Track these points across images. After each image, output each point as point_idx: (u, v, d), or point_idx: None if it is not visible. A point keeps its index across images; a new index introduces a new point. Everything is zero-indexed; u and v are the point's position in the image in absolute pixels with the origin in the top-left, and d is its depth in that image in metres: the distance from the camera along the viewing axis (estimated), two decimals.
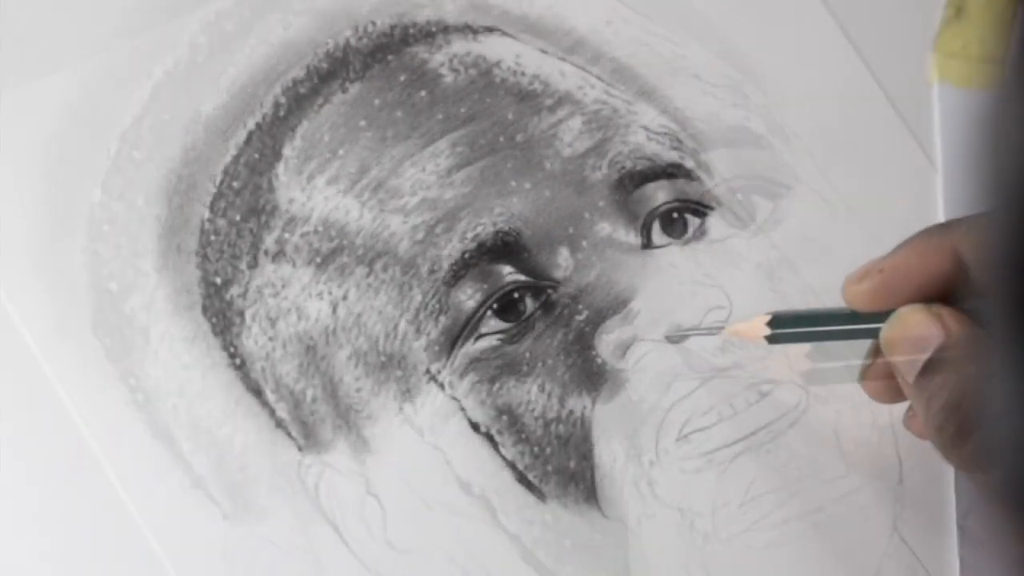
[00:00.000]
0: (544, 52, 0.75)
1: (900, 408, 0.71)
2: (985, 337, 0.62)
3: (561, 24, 0.76)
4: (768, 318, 0.68)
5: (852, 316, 0.67)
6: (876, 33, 0.78)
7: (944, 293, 0.65)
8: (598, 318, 0.71)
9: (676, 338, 0.71)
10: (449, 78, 0.73)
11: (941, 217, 0.76)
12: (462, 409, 0.70)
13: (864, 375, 0.69)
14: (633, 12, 0.75)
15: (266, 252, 0.71)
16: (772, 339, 0.68)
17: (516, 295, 0.71)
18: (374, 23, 0.74)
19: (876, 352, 0.68)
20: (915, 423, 0.69)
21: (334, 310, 0.70)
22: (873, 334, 0.66)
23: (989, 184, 0.43)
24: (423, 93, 0.73)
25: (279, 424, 0.70)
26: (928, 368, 0.63)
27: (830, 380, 0.70)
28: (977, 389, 0.61)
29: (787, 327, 0.68)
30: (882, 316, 0.66)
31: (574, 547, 0.70)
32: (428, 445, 0.70)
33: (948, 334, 0.63)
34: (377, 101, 0.72)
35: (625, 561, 0.70)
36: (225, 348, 0.70)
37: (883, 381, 0.67)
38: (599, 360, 0.71)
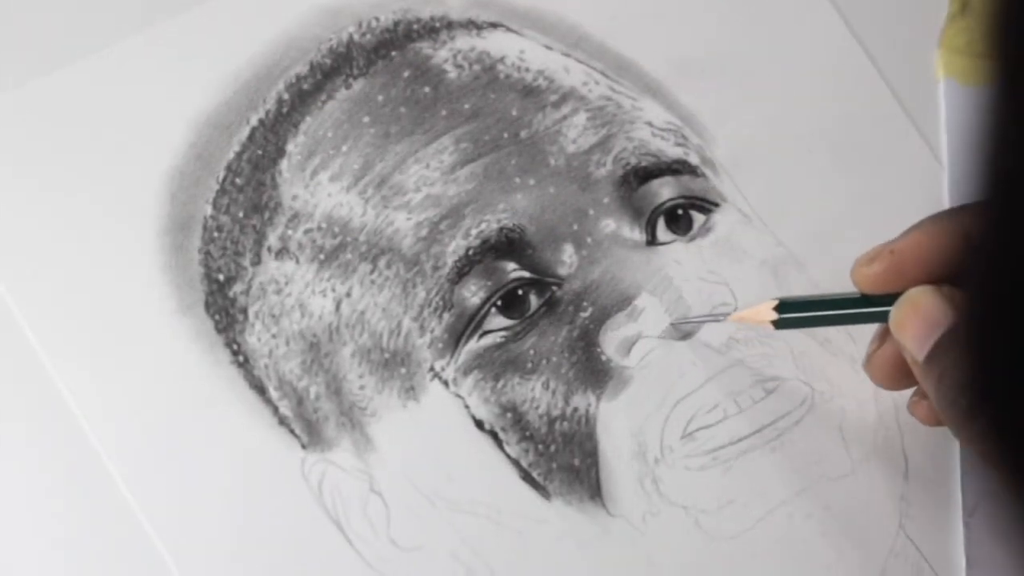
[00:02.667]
0: (548, 48, 0.75)
1: (906, 406, 0.71)
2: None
3: (565, 20, 0.75)
4: (775, 303, 0.68)
5: (860, 300, 0.67)
6: (882, 29, 0.78)
7: (953, 276, 0.65)
8: (603, 315, 0.71)
9: (681, 325, 0.71)
10: (453, 74, 0.73)
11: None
12: (466, 406, 0.70)
13: (870, 360, 0.68)
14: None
15: (269, 249, 0.70)
16: (779, 324, 0.68)
17: (520, 292, 0.70)
18: (377, 19, 0.74)
19: (883, 336, 0.68)
20: (919, 408, 0.69)
21: (337, 307, 0.70)
22: (881, 318, 0.66)
23: (987, 178, 0.44)
24: (427, 89, 0.73)
25: (282, 422, 0.69)
26: (938, 347, 0.63)
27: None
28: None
29: (794, 312, 0.68)
30: (890, 299, 0.65)
31: (578, 545, 0.70)
32: (432, 443, 0.70)
33: (959, 314, 0.63)
34: (381, 97, 0.72)
35: (630, 559, 0.70)
36: (228, 345, 0.70)
37: (888, 366, 0.67)
38: (604, 357, 0.71)
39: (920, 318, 0.64)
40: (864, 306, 0.67)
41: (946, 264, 0.65)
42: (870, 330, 0.69)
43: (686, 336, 0.71)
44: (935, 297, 0.64)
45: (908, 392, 0.70)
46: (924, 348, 0.63)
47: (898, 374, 0.67)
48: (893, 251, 0.66)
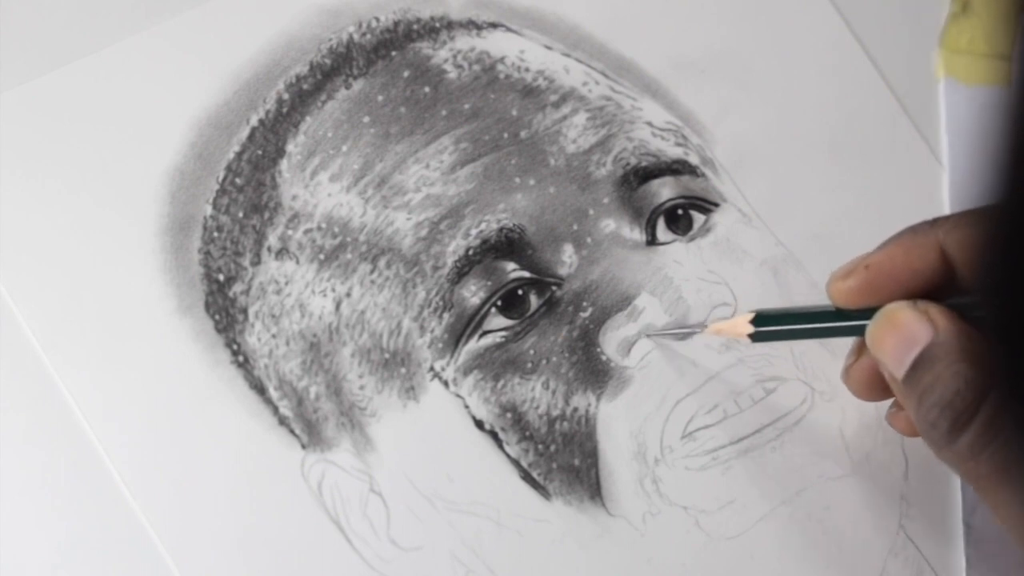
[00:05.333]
0: (548, 48, 0.75)
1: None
2: (973, 332, 0.62)
3: (565, 20, 0.75)
4: (751, 316, 0.68)
5: (836, 314, 0.66)
6: (882, 30, 0.78)
7: (930, 290, 0.65)
8: (603, 315, 0.71)
9: (655, 337, 0.71)
10: (453, 74, 0.73)
11: (945, 213, 0.76)
12: (466, 407, 0.70)
13: (848, 372, 0.68)
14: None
15: (269, 249, 0.70)
16: (755, 337, 0.68)
17: (520, 292, 0.70)
18: (377, 19, 0.74)
19: (859, 349, 0.68)
20: (898, 420, 0.69)
21: (337, 307, 0.70)
22: (858, 331, 0.66)
23: (998, 178, 0.43)
24: (427, 89, 0.73)
25: (282, 422, 0.69)
26: (917, 365, 0.62)
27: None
28: (970, 384, 0.60)
29: (770, 325, 0.68)
30: (866, 313, 0.65)
31: (578, 545, 0.70)
32: (432, 443, 0.70)
33: (936, 330, 0.62)
34: (381, 97, 0.72)
35: (630, 559, 0.70)
36: (228, 345, 0.70)
37: (866, 379, 0.67)
38: (604, 357, 0.70)
39: (897, 335, 0.63)
40: (840, 320, 0.66)
41: (922, 278, 0.65)
42: None
43: (686, 336, 0.71)
44: (912, 313, 0.63)
45: None
46: (902, 365, 0.63)
47: (876, 387, 0.67)
48: (868, 266, 0.65)
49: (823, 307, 0.67)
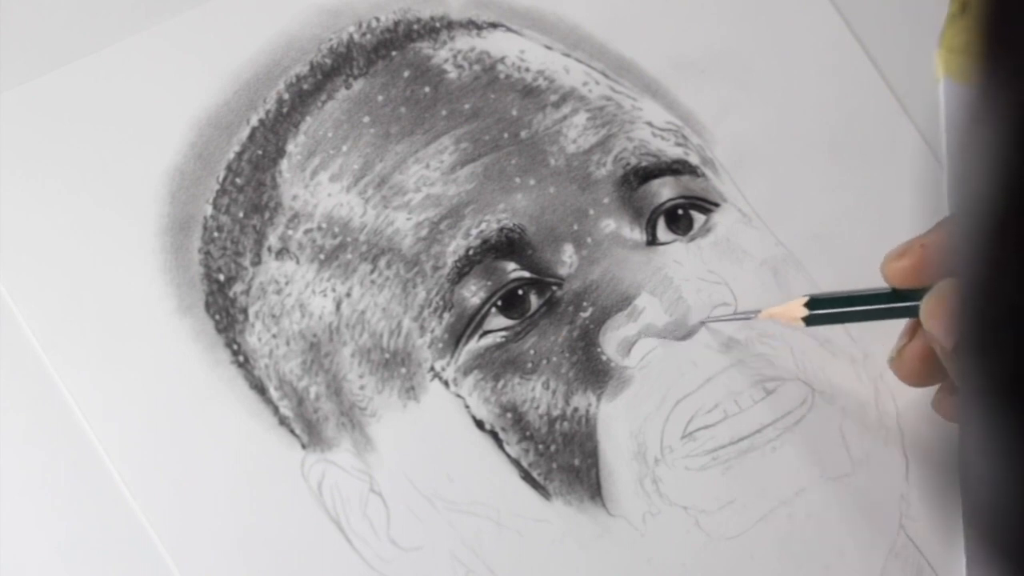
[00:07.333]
0: (548, 48, 0.75)
1: (906, 406, 0.71)
2: None
3: (565, 20, 0.75)
4: (805, 300, 0.68)
5: (889, 295, 0.67)
6: (882, 29, 0.78)
7: None
8: (603, 315, 0.71)
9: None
10: (453, 74, 0.73)
11: (947, 214, 0.76)
12: (466, 407, 0.70)
13: (899, 354, 0.68)
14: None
15: (269, 249, 0.70)
16: (809, 320, 0.68)
17: (520, 292, 0.70)
18: (378, 19, 0.74)
19: (911, 332, 0.68)
20: (944, 405, 0.69)
21: (338, 307, 0.70)
22: (911, 312, 0.66)
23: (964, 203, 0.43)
24: (427, 89, 0.73)
25: (282, 422, 0.69)
26: None
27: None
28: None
29: (824, 308, 0.68)
30: (919, 294, 0.65)
31: (578, 545, 0.70)
32: (432, 443, 0.70)
33: None
34: (381, 97, 0.72)
35: (630, 559, 0.70)
36: (228, 345, 0.70)
37: (917, 361, 0.67)
38: (604, 357, 0.70)
39: (950, 307, 0.64)
40: (894, 301, 0.67)
41: None
42: (871, 331, 0.69)
43: (686, 336, 0.71)
44: None
45: (909, 392, 0.70)
46: (953, 336, 0.63)
47: (926, 370, 0.67)
48: (924, 245, 0.66)
49: (877, 289, 0.67)
